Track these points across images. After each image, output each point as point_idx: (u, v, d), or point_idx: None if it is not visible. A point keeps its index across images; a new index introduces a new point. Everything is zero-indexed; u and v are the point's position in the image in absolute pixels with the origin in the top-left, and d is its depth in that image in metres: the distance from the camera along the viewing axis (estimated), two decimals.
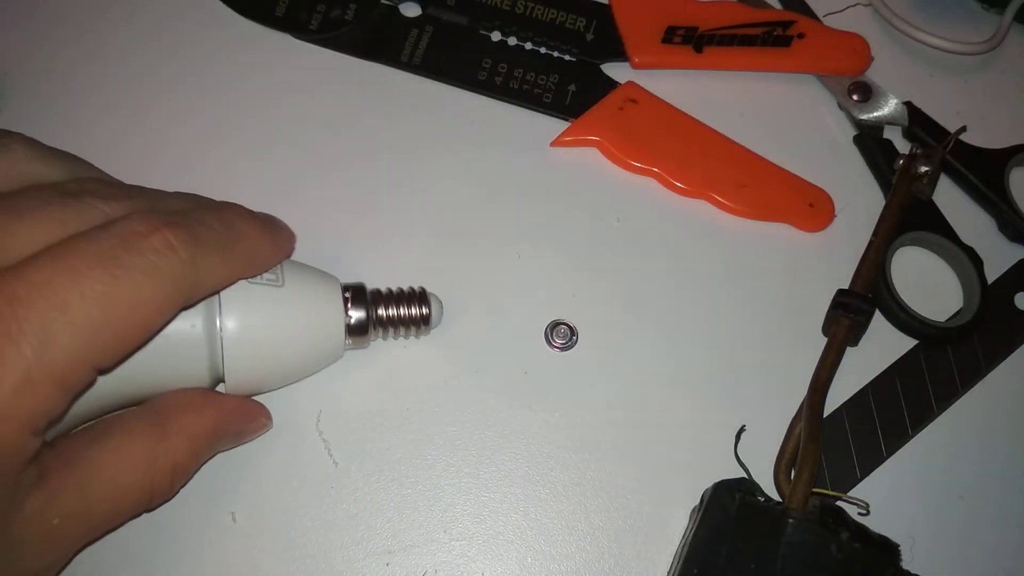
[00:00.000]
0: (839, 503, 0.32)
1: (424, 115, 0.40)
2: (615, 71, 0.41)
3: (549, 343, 0.36)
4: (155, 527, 0.32)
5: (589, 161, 0.39)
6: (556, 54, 0.41)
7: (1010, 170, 0.40)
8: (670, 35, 0.41)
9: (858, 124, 0.41)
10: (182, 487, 0.30)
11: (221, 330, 0.30)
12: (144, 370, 0.29)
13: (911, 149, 0.40)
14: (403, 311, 0.34)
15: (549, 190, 0.39)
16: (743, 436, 0.35)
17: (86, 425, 0.29)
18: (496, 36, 0.41)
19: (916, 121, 0.41)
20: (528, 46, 0.41)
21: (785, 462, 0.33)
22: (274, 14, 0.41)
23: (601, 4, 0.42)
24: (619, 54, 0.41)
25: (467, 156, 0.39)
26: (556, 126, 0.40)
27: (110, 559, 0.31)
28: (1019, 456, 0.36)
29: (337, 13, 0.41)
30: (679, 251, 0.38)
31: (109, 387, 0.28)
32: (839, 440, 0.35)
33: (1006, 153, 0.40)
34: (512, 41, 0.41)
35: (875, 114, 0.41)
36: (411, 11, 0.41)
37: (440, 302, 0.35)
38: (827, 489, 0.34)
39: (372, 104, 0.40)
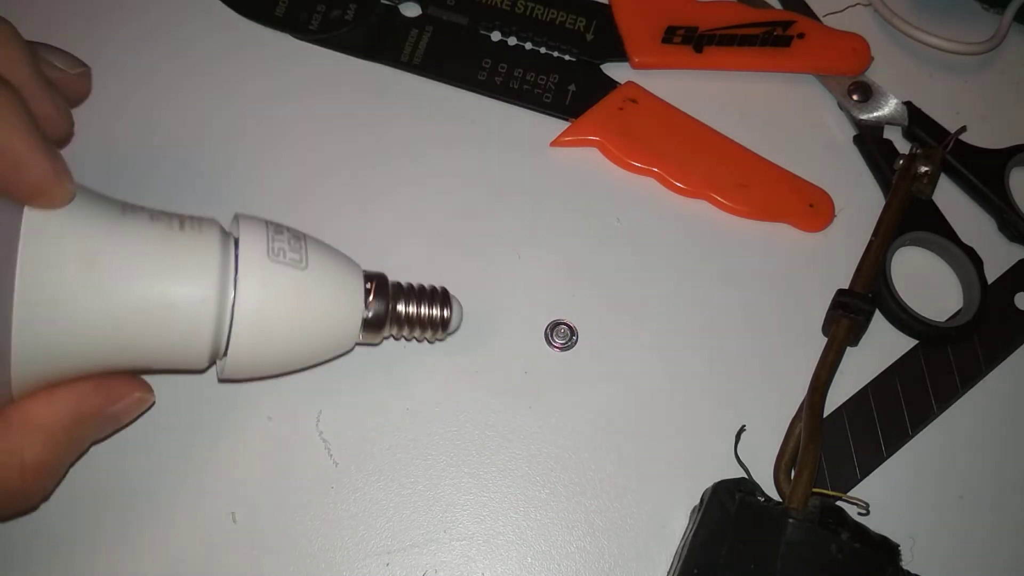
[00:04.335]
0: (839, 503, 0.32)
1: (424, 115, 0.40)
2: (615, 71, 0.41)
3: (549, 343, 0.36)
4: (155, 527, 0.32)
5: (589, 161, 0.39)
6: (556, 54, 0.41)
7: (1010, 170, 0.40)
8: (670, 35, 0.41)
9: (858, 124, 0.41)
10: (54, 484, 0.29)
11: (234, 304, 0.28)
12: (140, 331, 0.27)
13: (911, 149, 0.40)
14: (423, 311, 0.32)
15: (549, 190, 0.39)
16: (743, 436, 0.35)
17: None
18: (496, 36, 0.41)
19: (916, 121, 0.41)
20: (528, 46, 0.41)
21: (785, 462, 0.33)
22: (274, 14, 0.41)
23: (601, 4, 0.42)
24: (619, 54, 0.41)
25: (467, 156, 0.39)
26: (556, 126, 0.40)
27: (110, 559, 0.32)
28: (1019, 456, 0.36)
29: (337, 13, 0.41)
30: (679, 251, 0.38)
31: (97, 343, 0.27)
32: (839, 440, 0.35)
33: (1006, 153, 0.40)
34: (512, 41, 0.41)
35: (875, 114, 0.41)
36: (411, 11, 0.41)
37: (461, 306, 0.34)
38: (827, 489, 0.34)
39: (372, 104, 0.40)
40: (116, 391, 0.30)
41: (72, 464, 0.30)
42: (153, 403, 0.31)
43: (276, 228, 0.30)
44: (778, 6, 0.43)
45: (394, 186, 0.38)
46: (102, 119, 0.38)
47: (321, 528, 0.33)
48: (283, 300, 0.29)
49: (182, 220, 0.29)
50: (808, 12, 0.43)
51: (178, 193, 0.37)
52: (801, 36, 0.42)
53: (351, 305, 0.31)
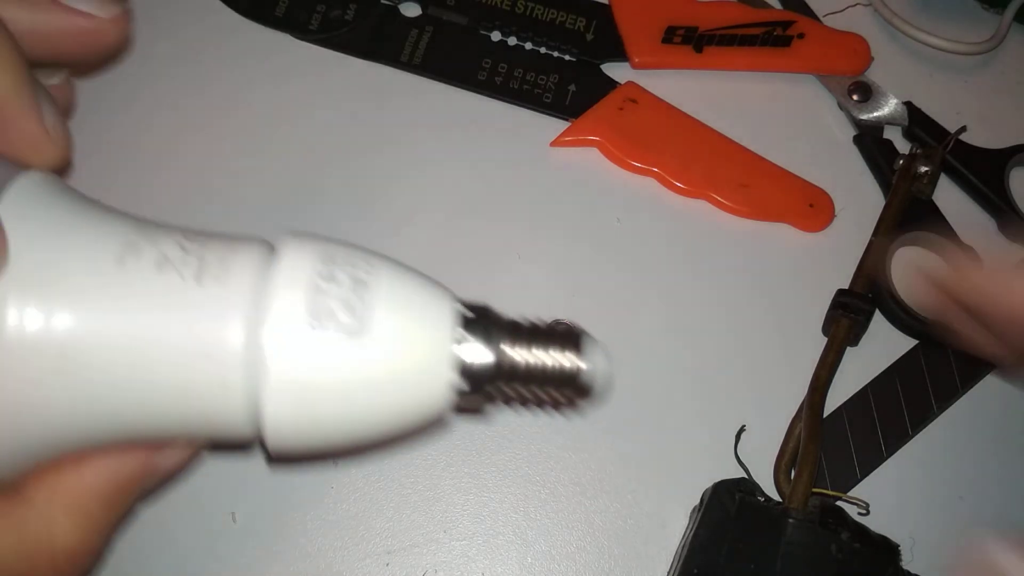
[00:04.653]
0: (839, 503, 0.32)
1: (424, 115, 0.40)
2: (615, 71, 0.41)
3: None
4: (155, 527, 0.32)
5: (589, 161, 0.39)
6: (556, 54, 0.41)
7: (1010, 170, 0.40)
8: (670, 35, 0.41)
9: (858, 124, 0.41)
10: (96, 563, 0.24)
11: (260, 396, 0.21)
12: (145, 420, 0.22)
13: (911, 149, 0.40)
14: (544, 361, 0.24)
15: (549, 190, 0.39)
16: (743, 436, 0.35)
17: None
18: (496, 36, 0.41)
19: (916, 121, 0.41)
20: (528, 46, 0.41)
21: (785, 462, 0.33)
22: (274, 14, 0.41)
23: (601, 4, 0.42)
24: (619, 54, 0.41)
25: (467, 156, 0.39)
26: (556, 126, 0.40)
27: (111, 559, 0.31)
28: (1019, 456, 0.36)
29: (337, 13, 0.41)
30: (679, 251, 0.38)
31: (113, 414, 0.21)
32: (839, 440, 0.35)
33: (1006, 153, 0.40)
34: (512, 41, 0.41)
35: (875, 114, 0.41)
36: (411, 11, 0.41)
37: (604, 353, 0.25)
38: (827, 489, 0.34)
39: (372, 104, 0.40)
40: (153, 444, 0.24)
41: (116, 534, 0.24)
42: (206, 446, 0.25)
43: (329, 269, 0.22)
44: (778, 6, 0.43)
45: (394, 186, 0.38)
46: (99, 120, 0.38)
47: (321, 528, 0.33)
48: (329, 383, 0.21)
49: (202, 262, 0.22)
50: (808, 12, 0.43)
51: (177, 193, 0.37)
52: (801, 36, 0.42)
53: (432, 375, 0.23)
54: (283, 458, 0.25)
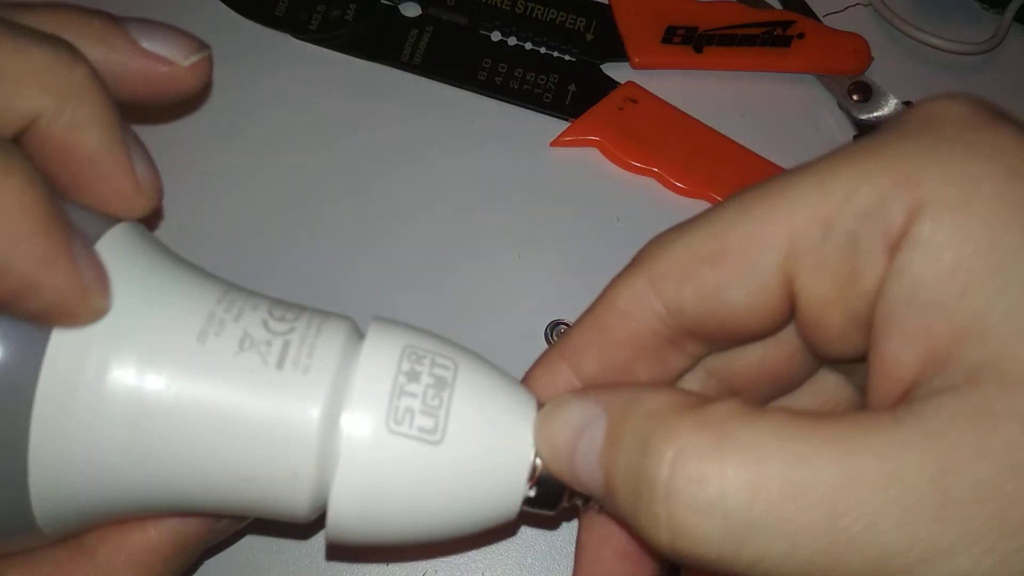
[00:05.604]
0: None
1: (424, 115, 0.40)
2: (615, 71, 0.41)
3: (549, 343, 0.36)
4: None
5: (589, 161, 0.39)
6: (556, 54, 0.41)
7: None
8: (670, 35, 0.41)
9: (858, 124, 0.41)
10: None
11: (332, 490, 0.21)
12: (209, 497, 0.21)
13: None
14: None
15: (549, 190, 0.39)
16: None
17: None
18: (496, 36, 0.41)
19: None
20: (528, 46, 0.41)
21: None
22: (274, 14, 0.41)
23: (601, 4, 0.42)
24: (619, 54, 0.41)
25: (467, 156, 0.39)
26: (556, 126, 0.40)
27: None
28: None
29: (337, 13, 0.41)
30: None
31: (178, 485, 0.21)
32: None
33: None
34: (512, 41, 0.41)
35: (875, 114, 0.41)
36: (411, 11, 0.41)
37: None
38: None
39: (372, 104, 0.40)
40: None
41: None
42: None
43: (412, 368, 0.22)
44: (778, 6, 0.43)
45: (393, 186, 0.38)
46: None
47: (321, 528, 0.33)
48: (400, 486, 0.21)
49: (286, 345, 0.21)
50: (808, 12, 0.43)
51: (177, 192, 0.37)
52: (801, 36, 0.42)
53: (507, 482, 0.22)
54: (339, 549, 0.26)
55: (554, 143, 0.40)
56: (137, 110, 0.36)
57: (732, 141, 0.40)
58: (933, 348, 0.17)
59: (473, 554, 0.33)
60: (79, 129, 0.22)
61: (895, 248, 0.18)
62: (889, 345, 0.18)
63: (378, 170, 0.38)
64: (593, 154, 0.40)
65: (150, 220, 0.26)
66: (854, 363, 0.21)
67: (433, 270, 0.36)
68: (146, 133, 0.38)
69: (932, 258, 0.17)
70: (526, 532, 0.33)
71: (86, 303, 0.20)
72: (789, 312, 0.20)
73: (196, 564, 0.30)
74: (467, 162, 0.39)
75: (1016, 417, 0.16)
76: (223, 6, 0.41)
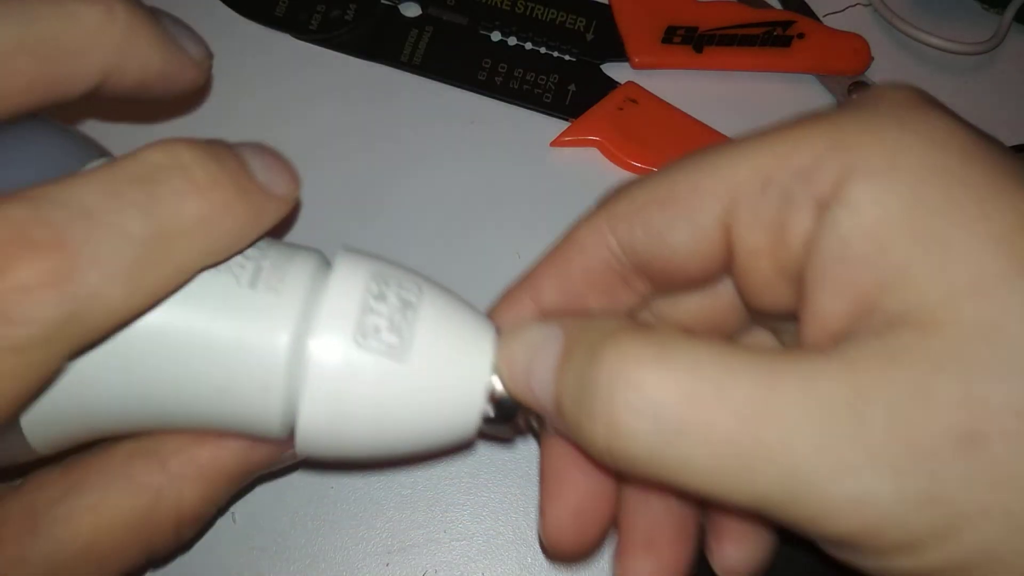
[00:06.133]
0: None
1: (424, 115, 0.40)
2: (615, 71, 0.41)
3: None
4: None
5: (589, 161, 0.39)
6: (556, 54, 0.41)
7: None
8: (670, 35, 0.41)
9: None
10: (195, 535, 0.26)
11: (299, 400, 0.22)
12: (182, 408, 0.22)
13: None
14: None
15: (549, 190, 0.39)
16: None
17: (64, 463, 0.24)
18: (496, 36, 0.41)
19: None
20: (528, 46, 0.41)
21: None
22: (274, 14, 0.41)
23: (601, 4, 0.42)
24: (619, 54, 0.41)
25: (467, 156, 0.39)
26: (556, 126, 0.40)
27: None
28: None
29: (337, 13, 0.41)
30: None
31: (158, 404, 0.22)
32: None
33: None
34: (512, 41, 0.41)
35: None
36: (411, 11, 0.41)
37: None
38: None
39: (372, 104, 0.40)
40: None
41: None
42: None
43: (380, 288, 0.23)
44: (778, 6, 0.43)
45: (393, 186, 0.38)
46: (97, 120, 0.38)
47: (321, 528, 0.33)
48: (365, 397, 0.22)
49: (258, 269, 0.22)
50: (808, 12, 0.43)
51: None
52: (801, 36, 0.42)
53: (466, 398, 0.23)
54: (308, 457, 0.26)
55: (554, 143, 0.40)
56: (136, 109, 0.36)
57: None
58: (859, 298, 0.19)
59: (473, 554, 0.33)
60: (143, 66, 0.23)
61: (824, 206, 0.20)
62: (820, 296, 0.20)
63: (378, 170, 0.38)
64: (593, 154, 0.40)
65: None
66: (781, 320, 0.23)
67: (433, 270, 0.36)
68: (146, 132, 0.39)
69: (859, 216, 0.19)
70: (528, 533, 0.33)
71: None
72: (726, 262, 0.22)
73: (248, 488, 0.31)
74: (467, 162, 0.39)
75: (927, 357, 0.18)
76: (223, 6, 0.41)
